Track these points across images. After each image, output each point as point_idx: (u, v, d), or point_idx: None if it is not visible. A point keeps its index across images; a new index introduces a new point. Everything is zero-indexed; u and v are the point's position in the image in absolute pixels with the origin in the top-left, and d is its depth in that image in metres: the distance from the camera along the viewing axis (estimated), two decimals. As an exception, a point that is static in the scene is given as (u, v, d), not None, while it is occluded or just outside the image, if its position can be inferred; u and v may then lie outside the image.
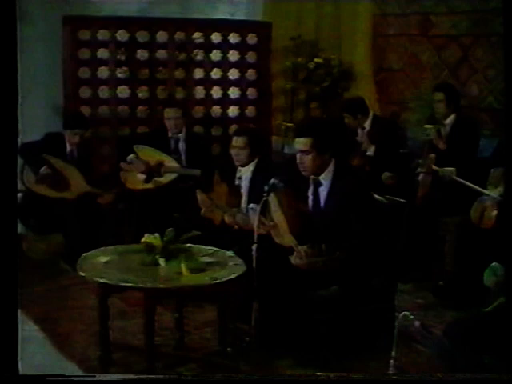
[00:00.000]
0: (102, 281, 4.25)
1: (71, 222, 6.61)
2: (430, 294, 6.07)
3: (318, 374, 4.05)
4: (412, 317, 3.16)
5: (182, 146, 7.22)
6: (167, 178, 6.97)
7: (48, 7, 7.77)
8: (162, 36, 7.95)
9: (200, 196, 5.86)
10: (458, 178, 6.24)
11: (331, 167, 4.85)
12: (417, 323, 3.13)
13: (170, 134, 7.19)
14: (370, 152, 7.34)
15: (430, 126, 6.87)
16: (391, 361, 3.27)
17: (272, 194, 4.82)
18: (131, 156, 6.97)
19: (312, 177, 4.88)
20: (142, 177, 6.94)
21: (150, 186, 6.96)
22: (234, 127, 7.89)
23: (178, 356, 4.84)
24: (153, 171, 6.95)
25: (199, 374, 4.36)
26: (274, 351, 4.76)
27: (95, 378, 3.22)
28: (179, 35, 8.00)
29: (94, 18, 7.70)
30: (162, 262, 4.43)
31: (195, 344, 5.04)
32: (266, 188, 4.56)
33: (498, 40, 7.20)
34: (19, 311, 5.47)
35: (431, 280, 6.26)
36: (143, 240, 4.54)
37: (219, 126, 8.17)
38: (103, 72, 7.80)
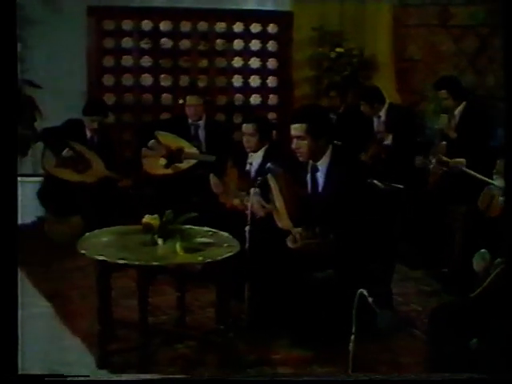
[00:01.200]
0: (100, 258, 4.40)
1: (90, 205, 6.82)
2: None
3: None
4: (366, 293, 3.28)
5: (201, 132, 7.39)
6: (186, 163, 7.13)
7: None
8: (185, 26, 8.13)
9: (213, 180, 6.10)
10: (467, 170, 6.31)
11: (328, 153, 4.95)
12: (370, 299, 3.25)
13: (190, 121, 7.36)
14: (388, 141, 7.43)
15: (443, 115, 6.95)
16: (352, 336, 3.39)
17: (272, 179, 4.99)
18: (152, 141, 7.14)
19: (310, 162, 5.00)
20: (163, 162, 7.10)
21: (169, 171, 7.12)
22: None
23: (177, 333, 5.01)
24: (173, 157, 7.11)
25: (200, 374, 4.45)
26: (270, 331, 4.91)
27: (95, 378, 3.32)
28: (202, 25, 8.18)
29: (118, 8, 7.93)
30: (159, 241, 4.58)
31: (196, 323, 5.20)
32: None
33: (515, 30, 7.24)
34: (34, 289, 5.80)
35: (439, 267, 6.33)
36: (143, 220, 4.70)
37: (241, 113, 8.31)
38: (127, 60, 8.00)
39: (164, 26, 8.09)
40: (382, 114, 7.50)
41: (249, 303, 4.76)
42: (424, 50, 8.18)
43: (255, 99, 8.38)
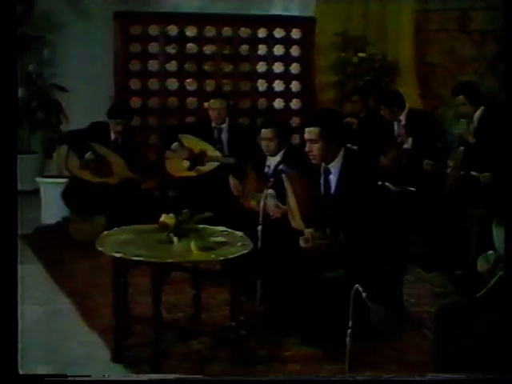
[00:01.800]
0: (117, 255, 4.56)
1: (113, 205, 7.00)
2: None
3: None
4: (361, 289, 3.39)
5: (224, 136, 7.51)
6: (209, 166, 7.28)
7: (107, 4, 8.23)
8: (209, 31, 8.30)
9: (232, 181, 6.27)
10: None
11: (340, 156, 5.08)
12: (363, 294, 3.36)
13: (213, 125, 7.49)
14: (408, 145, 7.51)
15: (462, 120, 7.02)
16: (348, 331, 3.50)
17: (287, 180, 5.13)
18: (175, 144, 7.30)
19: (323, 165, 5.13)
20: (186, 164, 7.26)
21: (192, 173, 7.28)
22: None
23: (192, 330, 5.17)
24: (196, 159, 7.26)
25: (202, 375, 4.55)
26: (281, 328, 5.04)
27: (95, 378, 3.42)
28: (226, 30, 8.33)
29: (144, 13, 8.11)
30: (175, 239, 4.73)
31: (211, 320, 5.36)
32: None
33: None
34: (56, 286, 5.98)
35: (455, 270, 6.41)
36: (160, 220, 4.86)
37: (264, 117, 8.44)
38: (153, 65, 8.18)
39: (189, 31, 8.27)
40: (402, 118, 7.59)
41: (260, 301, 4.88)
42: (444, 54, 8.29)
43: (279, 103, 8.52)
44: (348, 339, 3.56)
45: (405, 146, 7.54)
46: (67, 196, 7.30)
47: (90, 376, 3.65)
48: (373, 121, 7.91)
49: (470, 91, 6.94)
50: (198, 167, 7.27)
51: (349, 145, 7.25)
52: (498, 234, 3.40)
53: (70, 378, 2.91)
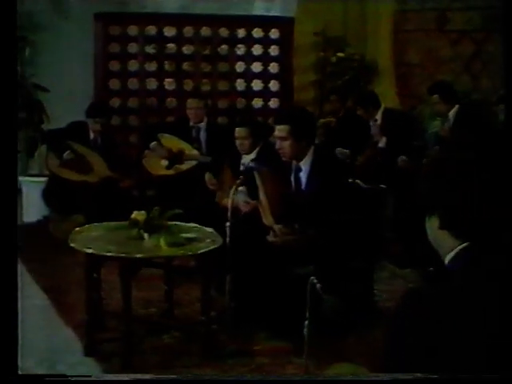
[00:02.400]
0: (88, 251, 4.65)
1: (92, 204, 7.06)
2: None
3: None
4: (316, 281, 3.48)
5: (203, 135, 7.58)
6: (187, 165, 7.36)
7: (88, 5, 8.30)
8: (188, 31, 8.37)
9: (207, 176, 6.38)
10: None
11: (310, 154, 5.16)
12: (318, 286, 3.45)
13: (191, 124, 7.57)
14: (382, 144, 7.62)
15: (438, 118, 7.14)
16: (305, 322, 3.59)
17: (258, 177, 5.22)
18: (154, 143, 7.38)
19: (294, 162, 5.21)
20: (165, 163, 7.34)
21: (170, 172, 7.35)
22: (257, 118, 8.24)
23: (164, 324, 5.26)
24: (174, 158, 7.34)
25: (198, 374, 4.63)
26: (251, 323, 5.13)
27: (95, 378, 3.46)
28: (205, 30, 8.42)
29: (123, 14, 8.20)
30: (145, 236, 4.82)
31: (184, 316, 5.45)
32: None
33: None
34: (33, 282, 6.05)
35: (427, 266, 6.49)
36: (131, 216, 4.94)
37: (239, 116, 8.52)
38: (133, 65, 8.27)
39: (168, 31, 8.34)
40: (378, 117, 7.69)
41: (230, 296, 4.97)
42: (422, 54, 8.36)
43: (257, 103, 8.59)
44: (305, 330, 3.63)
45: (380, 144, 7.64)
46: (47, 195, 7.38)
47: (90, 376, 3.70)
48: (350, 120, 8.00)
49: (444, 90, 7.09)
50: (177, 166, 7.34)
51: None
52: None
53: (69, 378, 2.93)
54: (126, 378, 3.59)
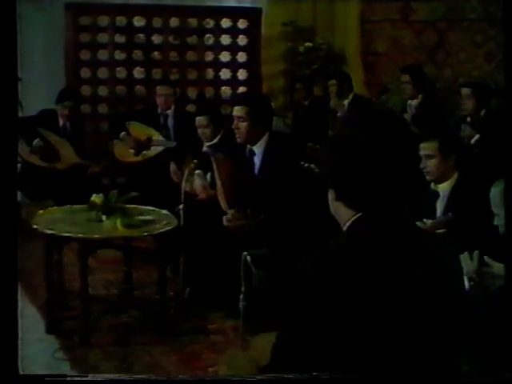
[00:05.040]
0: (48, 232, 4.86)
1: (61, 190, 7.20)
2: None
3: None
4: (248, 256, 3.65)
5: (170, 121, 7.69)
6: (154, 150, 7.50)
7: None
8: (157, 21, 8.52)
9: (172, 167, 6.50)
10: None
11: (265, 138, 5.32)
12: (248, 258, 3.62)
13: (159, 111, 7.70)
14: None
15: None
16: (241, 295, 3.76)
17: (214, 162, 5.38)
18: (123, 134, 7.50)
19: (248, 146, 5.37)
20: (133, 151, 7.49)
21: (138, 158, 7.49)
22: (225, 107, 8.40)
23: (122, 304, 5.46)
24: (142, 145, 7.49)
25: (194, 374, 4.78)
26: (206, 303, 5.32)
27: (95, 379, 3.57)
28: (174, 21, 8.57)
29: (94, 4, 8.34)
30: (104, 218, 5.01)
31: (143, 296, 5.66)
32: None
33: (468, 25, 7.67)
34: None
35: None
36: (90, 199, 5.13)
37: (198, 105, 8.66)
38: (103, 54, 8.42)
39: (138, 21, 8.49)
40: (346, 104, 7.85)
41: (184, 277, 5.16)
42: (388, 43, 8.53)
43: (225, 91, 8.75)
44: (241, 304, 3.81)
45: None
46: (19, 181, 7.52)
47: (89, 376, 3.78)
48: (316, 109, 8.16)
49: (416, 73, 7.36)
50: (144, 152, 7.48)
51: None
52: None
53: (69, 378, 3.02)
54: (126, 378, 3.72)
